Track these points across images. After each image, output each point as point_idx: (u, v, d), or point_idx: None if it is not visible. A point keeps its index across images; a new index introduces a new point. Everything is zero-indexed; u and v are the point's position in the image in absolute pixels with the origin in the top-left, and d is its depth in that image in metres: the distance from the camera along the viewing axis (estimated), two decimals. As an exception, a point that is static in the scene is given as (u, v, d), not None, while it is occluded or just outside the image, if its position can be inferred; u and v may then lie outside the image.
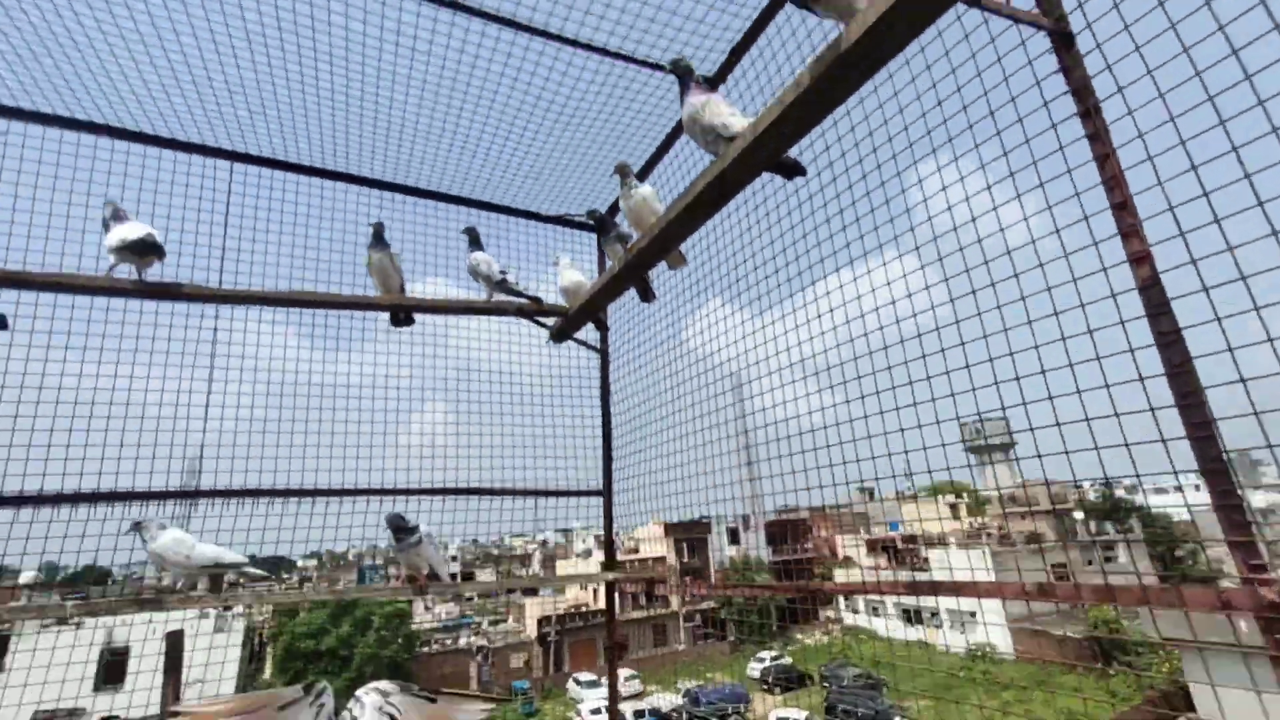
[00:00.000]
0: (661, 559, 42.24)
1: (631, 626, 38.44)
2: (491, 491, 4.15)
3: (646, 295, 3.81)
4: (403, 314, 3.65)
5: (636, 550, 40.91)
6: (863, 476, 2.51)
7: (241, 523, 3.51)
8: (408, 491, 3.93)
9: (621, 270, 3.20)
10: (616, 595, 4.46)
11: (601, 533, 4.58)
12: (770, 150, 2.24)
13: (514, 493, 4.20)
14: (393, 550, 3.20)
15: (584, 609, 39.80)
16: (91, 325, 3.38)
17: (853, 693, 24.49)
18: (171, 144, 3.65)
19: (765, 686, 28.72)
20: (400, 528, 3.16)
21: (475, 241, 3.82)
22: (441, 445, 4.14)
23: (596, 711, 25.59)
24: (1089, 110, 1.66)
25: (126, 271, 3.02)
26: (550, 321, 3.97)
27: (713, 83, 3.50)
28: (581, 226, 4.95)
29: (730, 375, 3.60)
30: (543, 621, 37.63)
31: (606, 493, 4.45)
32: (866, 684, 25.54)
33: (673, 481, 3.83)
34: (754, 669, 31.44)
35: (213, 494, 3.54)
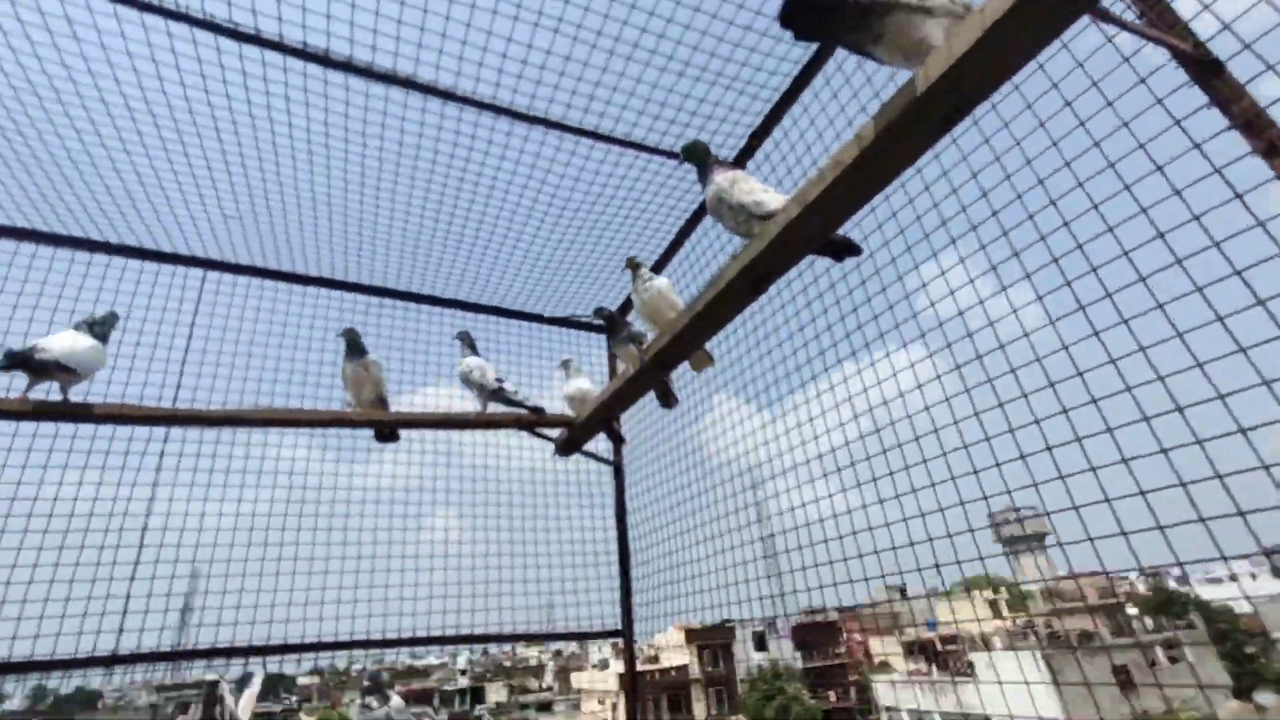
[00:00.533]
0: (683, 668, 39.02)
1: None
2: (500, 638, 3.47)
3: (667, 400, 3.33)
4: (386, 429, 3.17)
5: (656, 659, 37.73)
6: (888, 571, 2.20)
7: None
8: (412, 642, 3.29)
9: (637, 374, 2.73)
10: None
11: (619, 643, 3.86)
12: (818, 226, 1.83)
13: (525, 638, 3.52)
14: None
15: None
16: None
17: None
18: (134, 252, 3.34)
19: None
20: (371, 690, 2.49)
21: (471, 347, 3.40)
22: (444, 571, 3.51)
23: None
24: (1273, 144, 1.23)
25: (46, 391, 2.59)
26: (556, 433, 3.47)
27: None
28: (588, 328, 4.56)
29: (745, 471, 3.12)
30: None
31: (627, 632, 3.73)
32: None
33: (693, 578, 3.31)
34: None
35: (205, 654, 2.96)
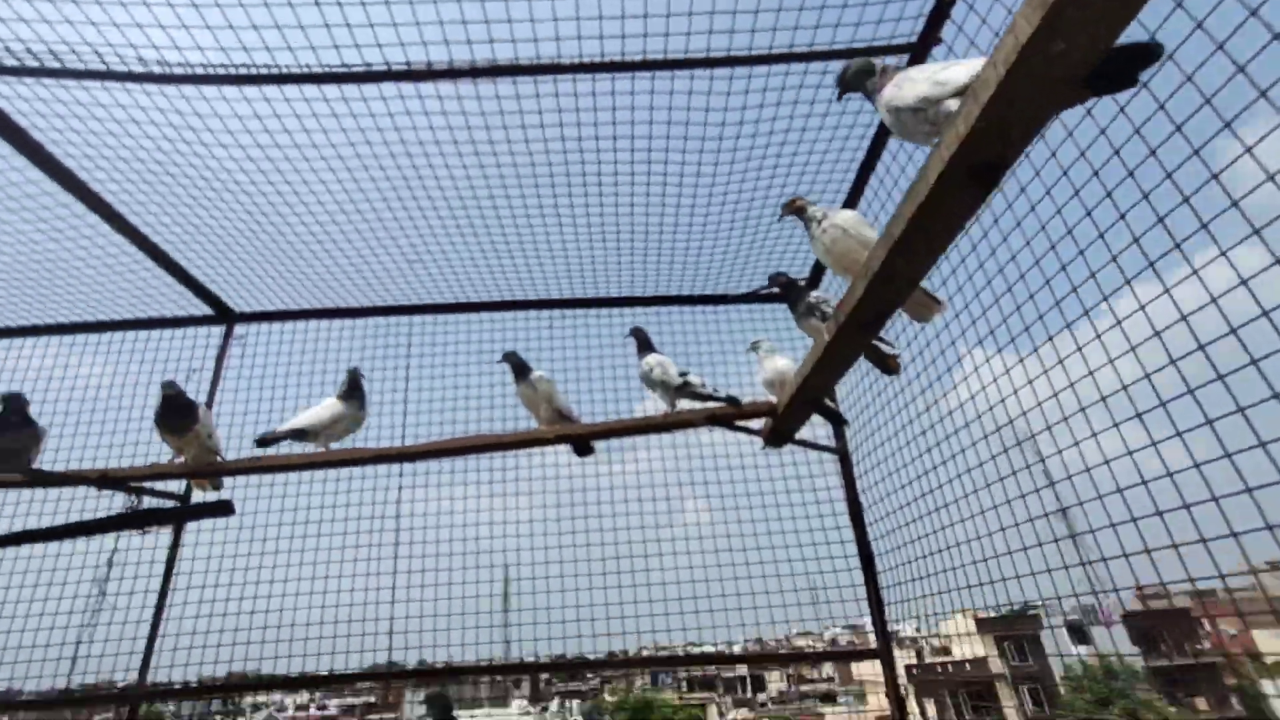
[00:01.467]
0: (981, 660, 34.38)
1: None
2: (752, 658, 3.13)
3: (886, 365, 2.65)
4: (580, 443, 3.05)
5: (947, 650, 33.77)
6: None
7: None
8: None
9: (833, 342, 2.13)
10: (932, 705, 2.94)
11: (904, 630, 3.24)
12: (1082, 34, 1.10)
13: (771, 658, 3.12)
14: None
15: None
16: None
17: None
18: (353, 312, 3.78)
19: None
20: None
21: (645, 344, 3.12)
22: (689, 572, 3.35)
23: None
24: None
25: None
26: (758, 424, 2.99)
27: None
28: (776, 300, 3.97)
29: (1010, 423, 2.25)
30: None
31: (885, 652, 3.07)
32: None
33: (958, 567, 2.52)
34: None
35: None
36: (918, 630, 3.10)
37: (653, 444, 3.63)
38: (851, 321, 2.01)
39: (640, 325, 3.20)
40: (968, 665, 33.72)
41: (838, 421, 3.34)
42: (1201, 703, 30.99)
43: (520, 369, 3.06)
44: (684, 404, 2.96)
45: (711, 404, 2.88)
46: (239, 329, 3.79)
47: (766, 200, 3.19)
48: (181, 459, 2.95)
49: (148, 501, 3.18)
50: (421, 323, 3.78)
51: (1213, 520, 1.41)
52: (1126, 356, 1.70)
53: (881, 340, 2.60)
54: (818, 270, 3.66)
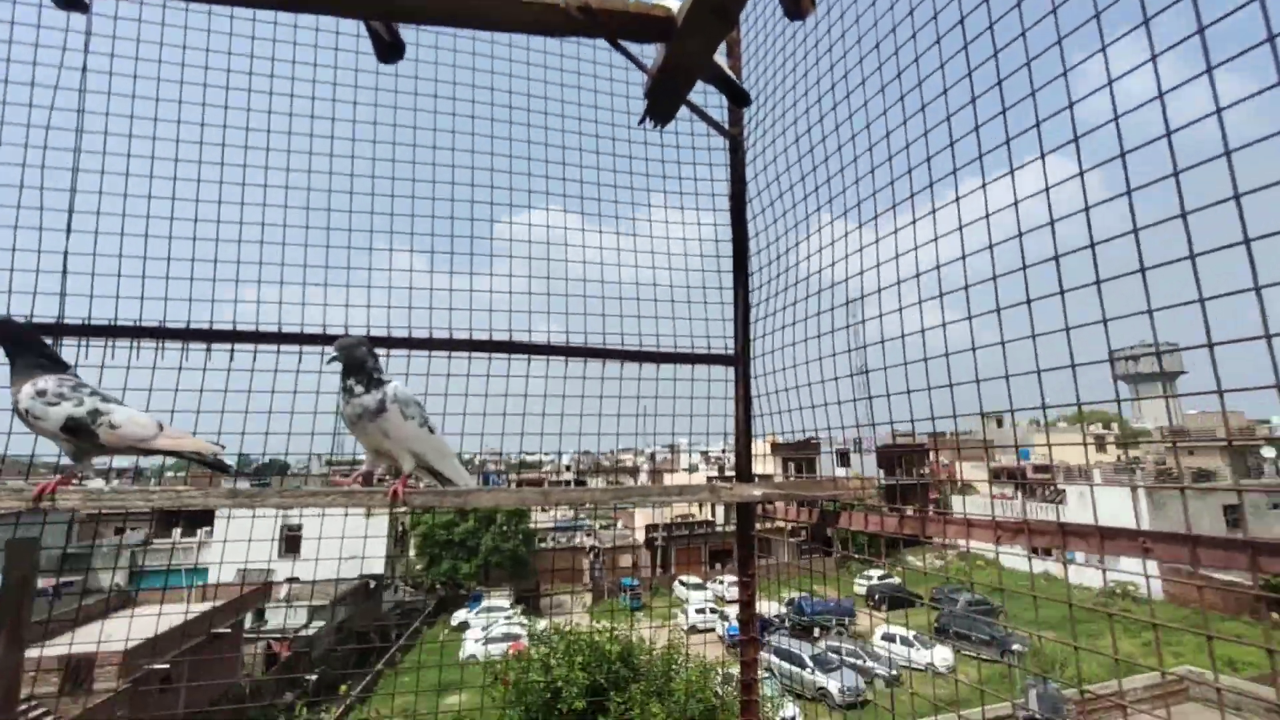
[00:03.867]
0: (769, 477, 40.95)
1: (732, 537, 37.90)
2: (580, 351, 2.70)
3: (799, 3, 2.09)
4: (386, 35, 2.11)
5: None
6: (988, 399, 1.97)
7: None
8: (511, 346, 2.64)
9: None
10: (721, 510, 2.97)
11: (719, 451, 3.15)
12: None
13: (606, 353, 2.72)
14: (341, 418, 1.72)
15: (689, 518, 39.99)
16: None
17: (967, 617, 23.68)
18: None
19: (871, 604, 27.56)
20: (353, 365, 1.69)
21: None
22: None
23: (701, 611, 26.13)
24: None
25: None
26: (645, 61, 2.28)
27: None
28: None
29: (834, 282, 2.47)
30: (650, 528, 38.27)
31: (741, 359, 2.85)
32: (982, 610, 24.46)
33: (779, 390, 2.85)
34: (860, 586, 30.19)
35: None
36: (722, 450, 3.04)
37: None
38: None
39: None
40: (757, 478, 40.02)
41: (738, 95, 2.70)
42: (909, 509, 40.53)
43: None
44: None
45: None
46: None
47: None
48: None
49: None
50: None
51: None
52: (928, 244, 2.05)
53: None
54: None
